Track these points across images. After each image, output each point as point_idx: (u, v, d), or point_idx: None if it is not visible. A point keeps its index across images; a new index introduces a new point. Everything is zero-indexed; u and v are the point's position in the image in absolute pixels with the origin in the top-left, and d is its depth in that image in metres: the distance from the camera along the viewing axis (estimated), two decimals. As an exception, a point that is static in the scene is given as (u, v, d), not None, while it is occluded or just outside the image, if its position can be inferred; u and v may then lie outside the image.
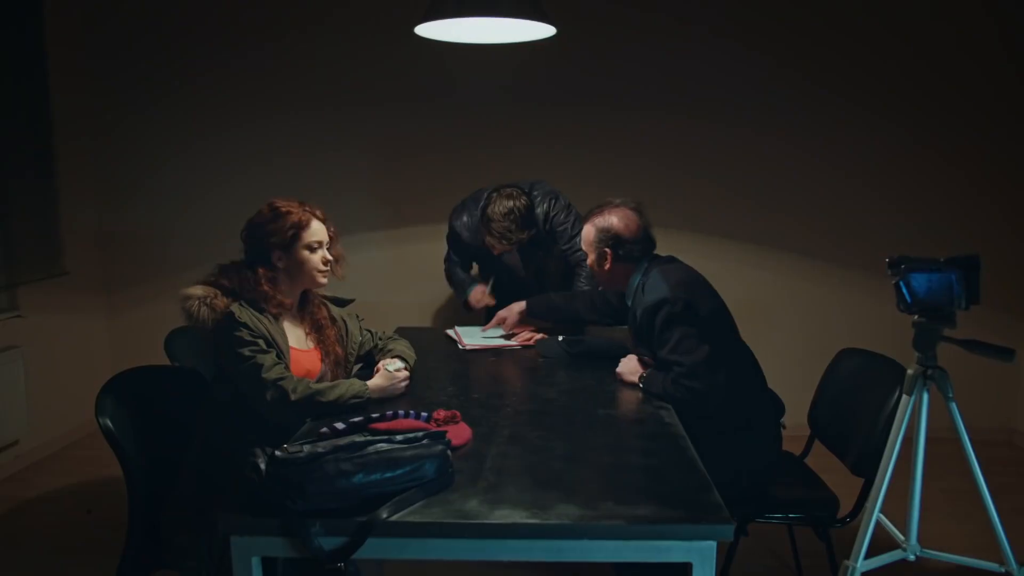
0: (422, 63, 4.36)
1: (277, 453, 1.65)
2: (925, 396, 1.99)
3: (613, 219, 2.59)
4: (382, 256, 4.58)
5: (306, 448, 1.67)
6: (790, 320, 4.41)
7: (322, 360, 2.45)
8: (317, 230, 2.35)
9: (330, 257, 2.39)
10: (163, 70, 4.50)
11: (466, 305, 3.56)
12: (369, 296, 4.50)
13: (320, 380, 2.39)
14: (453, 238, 3.53)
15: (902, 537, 2.08)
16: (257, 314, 2.25)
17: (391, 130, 4.48)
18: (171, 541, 2.10)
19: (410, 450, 1.71)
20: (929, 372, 1.97)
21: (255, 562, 1.63)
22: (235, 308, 2.21)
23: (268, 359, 2.18)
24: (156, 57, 4.49)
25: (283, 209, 2.31)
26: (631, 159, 4.38)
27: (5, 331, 3.93)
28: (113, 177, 4.60)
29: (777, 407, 2.57)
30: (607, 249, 2.59)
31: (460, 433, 2.04)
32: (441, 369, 2.90)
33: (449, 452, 1.78)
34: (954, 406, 1.97)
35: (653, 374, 2.48)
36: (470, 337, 3.27)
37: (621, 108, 4.38)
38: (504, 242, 3.29)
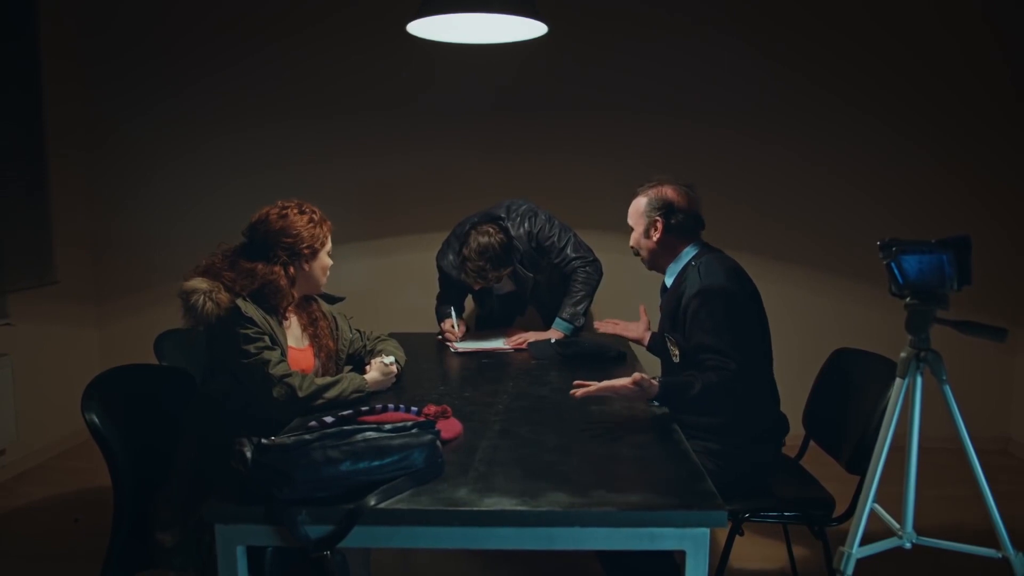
0: (417, 69, 4.37)
1: (264, 441, 1.63)
2: (919, 379, 1.97)
3: (667, 190, 2.53)
4: (376, 263, 4.57)
5: (293, 437, 1.65)
6: (786, 327, 4.37)
7: (315, 356, 2.47)
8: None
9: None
10: (155, 80, 4.50)
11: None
12: (365, 301, 4.50)
13: (315, 375, 2.40)
14: (443, 279, 3.50)
15: (897, 525, 2.06)
16: (262, 311, 2.25)
17: (385, 137, 4.48)
18: (159, 537, 2.06)
19: (399, 439, 1.70)
20: (922, 355, 1.95)
21: (240, 551, 1.61)
22: (240, 303, 2.19)
23: (274, 356, 2.20)
24: (148, 67, 4.50)
25: (317, 215, 2.40)
26: (628, 162, 4.38)
27: (-6, 339, 3.90)
28: (105, 186, 4.60)
29: (782, 426, 2.55)
30: (658, 218, 2.50)
31: (451, 427, 2.03)
32: (432, 370, 2.89)
33: (439, 442, 1.76)
34: (948, 389, 1.95)
35: (668, 380, 2.25)
36: (461, 341, 3.25)
37: (617, 114, 4.39)
38: (481, 281, 3.27)
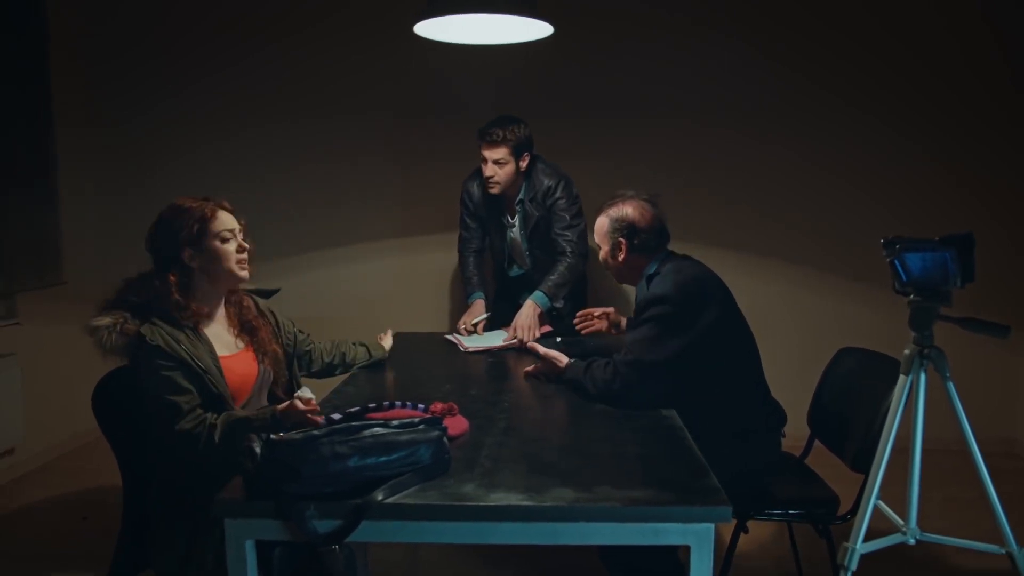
0: (417, 69, 4.39)
1: (272, 436, 1.64)
2: (923, 376, 1.98)
3: (628, 209, 2.56)
4: (388, 264, 4.58)
5: (302, 433, 1.67)
6: (785, 328, 4.39)
7: (258, 361, 2.26)
8: (225, 219, 2.17)
9: (246, 246, 2.20)
10: (155, 80, 4.53)
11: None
12: (373, 304, 4.52)
13: (261, 381, 2.25)
14: (464, 201, 3.64)
15: (901, 522, 2.07)
16: (173, 330, 2.05)
17: (386, 137, 4.50)
18: (157, 537, 2.06)
19: (406, 435, 1.71)
20: (926, 352, 1.96)
21: (249, 545, 1.62)
22: (145, 330, 2.01)
23: (184, 401, 2.00)
24: (148, 67, 4.53)
25: (185, 204, 2.15)
26: (627, 162, 4.39)
27: (2, 338, 3.93)
28: (110, 186, 4.63)
29: (779, 417, 2.56)
30: (621, 239, 2.55)
31: (457, 424, 2.05)
32: (438, 369, 2.91)
33: (445, 439, 1.78)
34: (951, 385, 1.97)
35: (579, 362, 2.49)
36: (471, 340, 3.27)
37: (616, 114, 4.40)
38: (490, 141, 3.35)
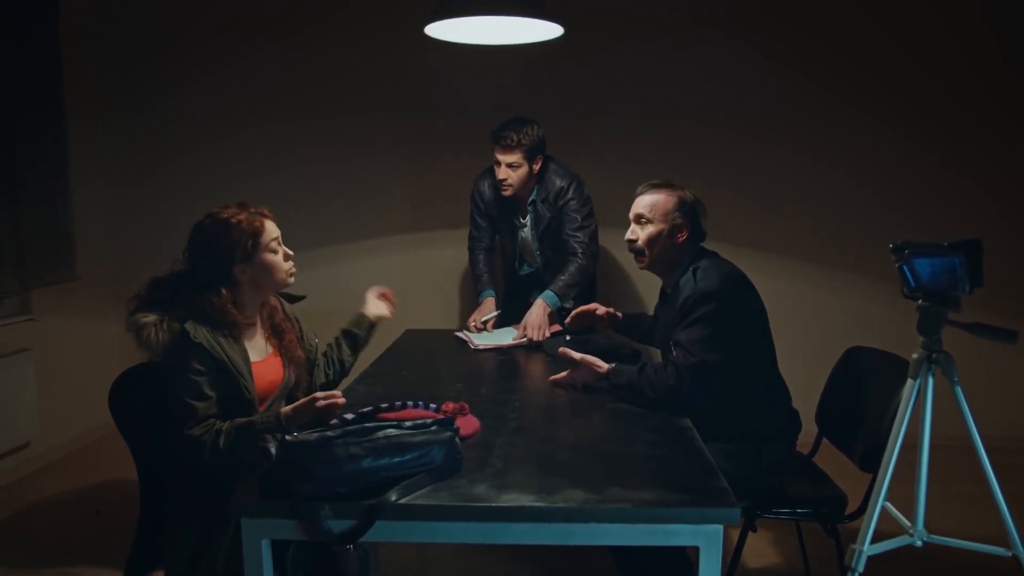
0: (426, 71, 4.40)
1: (287, 437, 1.66)
2: (930, 380, 1.99)
3: (690, 195, 2.53)
4: (393, 262, 4.60)
5: (316, 434, 1.69)
6: (793, 325, 4.40)
7: (284, 366, 2.28)
8: (271, 228, 2.18)
9: (291, 253, 2.22)
10: (166, 80, 4.55)
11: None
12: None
13: (285, 386, 2.28)
14: (475, 200, 3.65)
15: (908, 523, 2.09)
16: (215, 332, 2.07)
17: (385, 137, 4.52)
18: (168, 538, 2.06)
19: (419, 436, 1.73)
20: (934, 356, 1.98)
21: (264, 544, 1.64)
22: (189, 326, 2.02)
23: (202, 408, 2.01)
24: (148, 67, 4.54)
25: (233, 219, 2.12)
26: (627, 163, 4.41)
27: (18, 334, 3.95)
28: (126, 182, 4.64)
29: (795, 424, 2.56)
30: (689, 221, 2.49)
31: (468, 424, 2.06)
32: (449, 367, 2.93)
33: (457, 439, 1.79)
34: (959, 390, 1.98)
35: (622, 366, 2.42)
36: (480, 338, 3.29)
37: (616, 114, 4.42)
38: (504, 145, 3.35)
